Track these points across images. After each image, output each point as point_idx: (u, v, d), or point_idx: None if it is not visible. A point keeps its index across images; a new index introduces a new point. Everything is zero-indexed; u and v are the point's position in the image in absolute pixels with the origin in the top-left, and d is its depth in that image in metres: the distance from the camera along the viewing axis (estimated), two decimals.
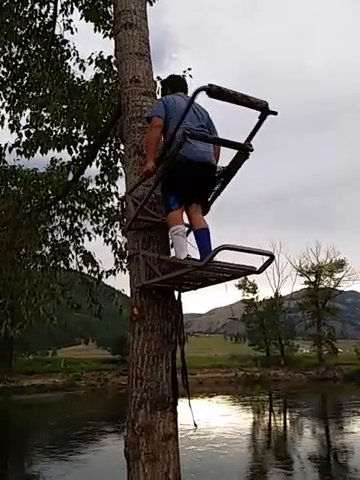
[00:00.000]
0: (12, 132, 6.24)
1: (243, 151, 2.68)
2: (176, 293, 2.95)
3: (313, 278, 42.33)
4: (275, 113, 2.42)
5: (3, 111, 6.41)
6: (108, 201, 7.00)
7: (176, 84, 3.29)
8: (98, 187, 6.83)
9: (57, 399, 26.51)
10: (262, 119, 2.45)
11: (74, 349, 66.73)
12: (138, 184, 3.15)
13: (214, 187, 2.99)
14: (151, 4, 6.59)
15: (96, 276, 7.02)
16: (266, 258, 2.59)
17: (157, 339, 2.82)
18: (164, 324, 2.87)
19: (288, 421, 18.99)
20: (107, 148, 6.39)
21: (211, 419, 16.88)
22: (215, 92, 2.24)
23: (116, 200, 6.91)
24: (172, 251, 3.07)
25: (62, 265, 6.93)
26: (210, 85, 2.22)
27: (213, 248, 2.41)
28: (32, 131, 6.02)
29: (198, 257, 2.74)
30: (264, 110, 2.40)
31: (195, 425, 2.75)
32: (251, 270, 2.63)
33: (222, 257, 2.44)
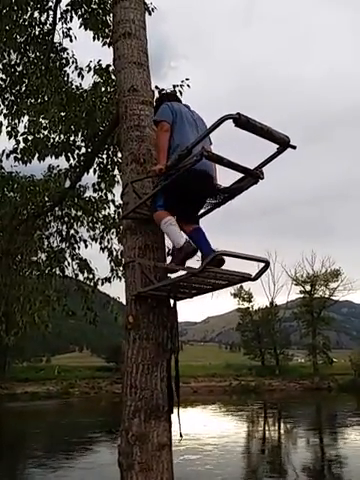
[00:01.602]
0: (10, 138, 6.24)
1: (253, 177, 2.65)
2: (171, 301, 2.95)
3: (308, 287, 42.40)
4: (294, 147, 2.38)
5: (1, 117, 6.42)
6: (105, 209, 6.99)
7: (171, 97, 3.46)
8: (95, 194, 6.82)
9: (50, 407, 26.31)
10: (280, 152, 2.40)
11: (68, 356, 66.36)
12: (143, 178, 3.19)
13: (205, 204, 3.02)
14: (150, 14, 6.65)
15: (92, 283, 6.99)
16: (261, 265, 2.60)
17: (152, 347, 2.81)
18: (159, 332, 2.86)
19: (282, 431, 18.88)
20: (104, 156, 6.39)
21: (204, 428, 16.78)
22: (242, 123, 2.12)
23: (113, 207, 6.93)
24: (168, 258, 3.07)
25: (58, 272, 6.90)
26: (239, 114, 2.11)
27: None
28: (30, 138, 6.00)
29: (193, 266, 2.74)
30: (285, 145, 2.34)
31: (181, 435, 2.75)
32: (247, 277, 2.63)
33: None
